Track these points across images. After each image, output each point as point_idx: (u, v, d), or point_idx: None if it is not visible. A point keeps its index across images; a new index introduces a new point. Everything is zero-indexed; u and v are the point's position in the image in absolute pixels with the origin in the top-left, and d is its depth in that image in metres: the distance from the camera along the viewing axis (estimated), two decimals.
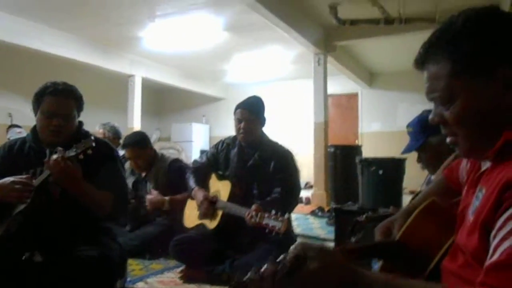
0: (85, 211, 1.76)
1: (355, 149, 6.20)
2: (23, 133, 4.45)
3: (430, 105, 0.83)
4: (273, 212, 1.85)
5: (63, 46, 6.47)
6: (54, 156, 1.62)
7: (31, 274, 1.60)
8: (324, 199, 6.11)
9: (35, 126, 1.85)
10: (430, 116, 0.80)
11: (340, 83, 8.82)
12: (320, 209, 5.07)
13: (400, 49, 6.93)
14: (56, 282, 1.56)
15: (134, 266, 2.57)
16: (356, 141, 9.15)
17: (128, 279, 2.21)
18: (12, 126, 5.28)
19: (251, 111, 2.37)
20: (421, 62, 0.79)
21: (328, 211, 4.92)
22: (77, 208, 1.73)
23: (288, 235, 2.21)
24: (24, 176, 1.69)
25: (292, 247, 0.71)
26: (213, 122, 10.87)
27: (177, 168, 3.03)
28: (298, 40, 5.88)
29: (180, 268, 2.40)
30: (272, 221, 1.83)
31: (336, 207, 2.90)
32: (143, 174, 3.09)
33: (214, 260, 2.25)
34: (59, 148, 1.64)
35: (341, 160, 6.04)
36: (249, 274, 0.68)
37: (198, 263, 2.28)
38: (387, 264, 0.94)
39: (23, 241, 1.67)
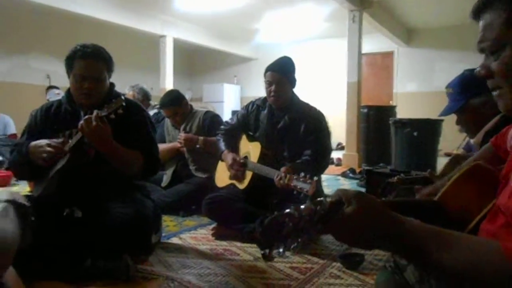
0: (118, 169, 1.83)
1: (389, 110, 6.04)
2: (61, 94, 4.59)
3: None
4: (302, 174, 1.85)
5: (96, 8, 6.52)
6: (86, 117, 1.67)
7: (72, 228, 1.70)
8: (356, 160, 6.06)
9: (69, 89, 1.90)
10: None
11: (375, 42, 8.47)
12: (351, 170, 5.04)
13: (442, 2, 6.52)
14: (95, 237, 1.66)
15: (168, 222, 2.67)
16: (390, 101, 8.89)
17: (163, 234, 2.31)
18: (51, 87, 5.44)
19: (281, 73, 2.32)
20: (478, 11, 0.78)
21: (360, 172, 4.88)
22: (111, 167, 1.80)
23: (318, 196, 2.22)
24: (59, 140, 1.76)
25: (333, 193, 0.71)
26: (244, 82, 10.82)
27: (211, 116, 3.17)
28: None
29: (212, 225, 2.47)
30: (300, 183, 1.83)
31: (368, 168, 2.87)
32: (181, 128, 3.18)
33: (244, 218, 2.30)
34: (92, 112, 1.69)
35: (374, 121, 5.91)
36: (288, 209, 0.68)
37: (229, 221, 2.35)
38: None
39: (63, 198, 1.77)
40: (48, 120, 1.92)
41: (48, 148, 1.70)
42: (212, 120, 3.13)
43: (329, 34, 8.95)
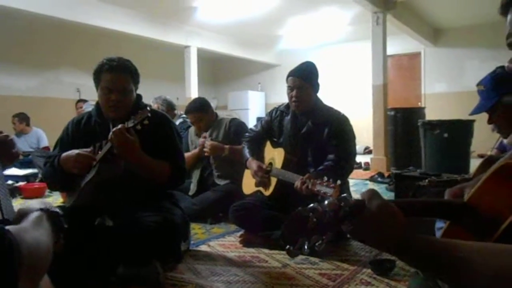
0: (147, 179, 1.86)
1: (417, 112, 5.91)
2: None
3: (503, 62, 0.77)
4: (325, 178, 1.83)
5: (123, 22, 6.72)
6: (113, 129, 1.71)
7: (104, 237, 1.74)
8: (384, 164, 5.95)
9: (98, 102, 1.96)
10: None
11: (401, 43, 8.33)
12: (380, 174, 4.95)
13: (469, 0, 6.35)
14: (126, 245, 1.69)
15: (197, 230, 2.70)
16: (419, 103, 8.70)
17: (192, 242, 2.33)
18: (80, 101, 5.62)
19: (303, 78, 2.31)
20: (506, 5, 0.76)
21: (388, 176, 4.79)
22: (140, 177, 1.84)
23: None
24: (88, 150, 1.81)
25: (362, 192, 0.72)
26: (269, 89, 10.85)
27: (237, 123, 3.19)
28: None
29: (240, 233, 2.48)
30: (324, 188, 1.81)
31: (397, 172, 2.81)
32: (207, 134, 3.21)
33: (271, 225, 2.30)
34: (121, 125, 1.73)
35: (402, 123, 5.79)
36: (312, 204, 0.68)
37: (256, 228, 2.34)
38: (453, 226, 0.90)
39: (94, 208, 1.82)
40: (79, 132, 1.98)
41: (79, 158, 1.75)
42: (237, 128, 3.15)
43: (353, 37, 8.87)
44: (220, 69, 11.57)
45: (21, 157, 4.45)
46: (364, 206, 0.67)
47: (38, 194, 4.17)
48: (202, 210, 2.87)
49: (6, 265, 0.58)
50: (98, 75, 1.88)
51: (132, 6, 6.64)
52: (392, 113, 5.91)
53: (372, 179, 4.87)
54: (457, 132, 3.98)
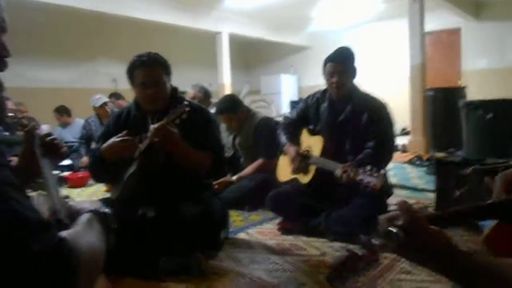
0: (188, 170, 1.91)
1: (458, 92, 5.65)
2: (103, 98, 5.02)
3: None
4: (368, 167, 1.80)
5: (155, 12, 6.78)
6: (155, 125, 1.75)
7: (147, 227, 1.81)
8: (423, 146, 5.77)
9: (135, 98, 2.02)
10: None
11: (439, 18, 7.94)
12: (419, 157, 4.81)
13: None
14: (168, 235, 1.75)
15: (235, 217, 2.74)
16: (459, 81, 8.33)
17: (231, 230, 2.38)
18: (113, 95, 5.76)
19: (342, 63, 2.26)
20: None
21: (428, 159, 4.65)
22: (181, 169, 1.88)
23: (386, 190, 2.16)
24: (124, 133, 1.86)
25: (395, 208, 0.71)
26: (301, 72, 10.70)
27: (262, 130, 3.12)
28: None
29: (278, 220, 2.50)
30: (366, 177, 1.79)
31: (437, 158, 2.72)
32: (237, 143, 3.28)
33: (309, 213, 2.30)
34: (158, 117, 1.77)
35: (441, 104, 5.56)
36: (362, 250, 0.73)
37: (294, 216, 2.36)
38: (502, 226, 0.85)
39: (137, 199, 1.89)
40: (119, 126, 2.04)
41: (123, 143, 1.81)
42: (261, 131, 3.10)
43: (388, 15, 8.55)
44: (252, 53, 11.51)
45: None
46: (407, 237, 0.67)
47: (82, 183, 4.35)
48: (239, 198, 2.92)
49: (67, 275, 0.61)
50: (131, 72, 1.94)
51: None
52: (431, 93, 5.68)
53: (410, 162, 4.75)
54: (502, 113, 3.76)
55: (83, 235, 0.73)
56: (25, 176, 1.05)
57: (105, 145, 1.88)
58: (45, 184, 0.97)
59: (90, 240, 0.73)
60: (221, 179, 3.04)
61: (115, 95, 5.54)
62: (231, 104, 3.18)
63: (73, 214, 0.86)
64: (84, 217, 0.82)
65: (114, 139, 1.85)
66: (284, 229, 2.37)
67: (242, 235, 2.38)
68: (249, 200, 2.93)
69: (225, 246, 2.14)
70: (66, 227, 0.75)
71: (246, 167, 3.17)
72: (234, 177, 3.10)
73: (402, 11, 6.43)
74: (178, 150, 1.83)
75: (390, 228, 0.68)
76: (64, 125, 5.62)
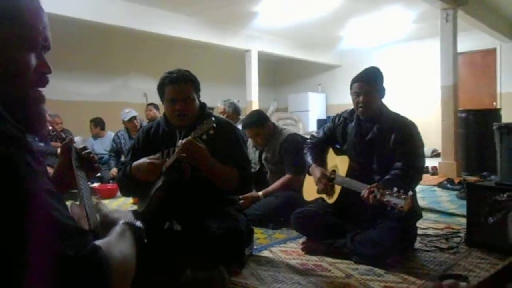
0: (214, 185, 1.93)
1: (492, 114, 5.50)
2: (132, 112, 5.14)
3: None
4: (395, 189, 1.76)
5: (187, 30, 6.98)
6: (183, 141, 1.79)
7: (172, 241, 1.82)
8: (454, 169, 5.60)
9: (165, 113, 2.08)
10: None
11: (473, 39, 7.80)
12: (449, 180, 4.67)
13: None
14: (193, 249, 1.76)
15: (259, 234, 2.73)
16: (494, 103, 8.09)
17: (254, 247, 2.36)
18: (150, 104, 5.92)
19: (369, 83, 2.25)
20: None
21: (459, 183, 4.50)
22: (207, 183, 1.90)
23: (413, 212, 2.10)
24: (156, 156, 1.91)
25: None
26: (329, 90, 10.68)
27: (290, 145, 3.11)
28: None
29: (302, 239, 2.47)
30: (394, 198, 1.75)
31: (469, 182, 2.63)
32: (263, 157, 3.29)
33: (334, 233, 2.27)
34: (186, 132, 1.81)
35: (474, 126, 5.42)
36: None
37: (318, 236, 2.32)
38: None
39: (164, 213, 1.91)
40: (148, 140, 2.10)
41: (150, 166, 1.85)
42: (288, 148, 3.10)
43: (419, 35, 8.47)
44: (280, 71, 11.60)
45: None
46: None
47: (111, 195, 4.45)
48: (264, 216, 2.91)
49: (99, 281, 0.63)
50: (161, 88, 2.00)
51: (194, 14, 6.88)
52: (464, 115, 5.55)
53: (441, 185, 4.61)
54: None
55: (117, 245, 0.75)
56: (59, 187, 1.09)
57: (135, 163, 1.92)
58: (80, 195, 1.00)
59: (123, 250, 0.75)
60: (247, 194, 3.05)
61: (154, 105, 5.73)
62: (258, 119, 3.22)
63: (107, 224, 0.89)
64: (118, 228, 0.84)
65: (144, 160, 1.89)
66: (308, 249, 2.33)
67: (265, 253, 2.36)
68: (274, 218, 2.92)
69: (249, 263, 2.13)
70: (97, 236, 0.78)
71: (272, 182, 3.16)
72: (260, 193, 3.10)
73: (433, 31, 6.36)
74: (205, 165, 1.85)
75: None
76: (96, 136, 5.81)
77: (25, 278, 0.55)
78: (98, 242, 0.68)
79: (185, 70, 2.04)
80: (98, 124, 5.81)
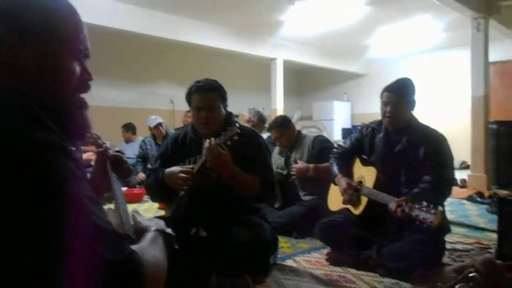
0: (239, 193, 1.95)
1: None
2: (158, 119, 5.21)
3: None
4: (424, 203, 1.73)
5: (212, 38, 7.09)
6: (206, 145, 1.82)
7: (198, 247, 1.85)
8: (484, 182, 5.44)
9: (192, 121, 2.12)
10: None
11: (506, 48, 7.58)
12: (479, 194, 4.54)
13: None
14: (218, 256, 1.78)
15: (282, 243, 2.72)
16: None
17: (278, 255, 2.36)
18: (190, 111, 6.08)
19: (399, 94, 2.22)
20: None
21: (489, 196, 4.37)
22: (233, 191, 1.93)
23: (443, 228, 2.06)
24: (188, 166, 1.95)
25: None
26: (355, 99, 10.59)
27: (321, 141, 3.22)
28: (452, 5, 5.25)
29: (326, 249, 2.45)
30: (423, 213, 1.72)
31: (501, 196, 2.56)
32: (289, 153, 3.27)
33: (359, 245, 2.24)
34: (211, 139, 1.84)
35: (506, 138, 5.27)
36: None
37: (343, 247, 2.30)
38: None
39: (190, 219, 1.94)
40: (176, 147, 2.15)
41: (182, 174, 1.89)
42: (322, 146, 3.16)
43: (449, 44, 8.31)
44: (305, 80, 11.60)
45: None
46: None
47: (138, 199, 4.54)
48: (288, 224, 2.90)
49: (134, 285, 0.65)
50: (189, 97, 2.07)
51: (221, 22, 6.99)
52: (495, 126, 5.40)
53: (470, 198, 4.49)
54: None
55: (150, 250, 0.78)
56: (95, 192, 1.13)
57: (167, 170, 1.97)
58: (115, 200, 1.04)
59: (155, 255, 0.78)
60: (299, 165, 3.09)
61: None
62: (282, 120, 3.31)
63: (140, 230, 0.92)
64: (150, 235, 0.87)
65: (176, 168, 1.93)
66: (333, 260, 2.32)
67: (289, 262, 2.36)
68: (298, 227, 2.91)
69: (273, 271, 2.13)
70: (132, 241, 0.81)
71: (300, 185, 3.15)
72: (311, 165, 3.07)
73: (464, 40, 6.23)
74: (228, 171, 1.87)
75: (471, 274, 0.68)
76: (128, 141, 6.00)
77: (67, 281, 0.58)
78: (133, 248, 0.71)
79: (213, 79, 2.08)
80: (129, 129, 6.00)
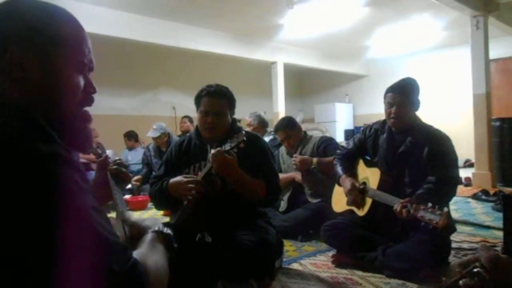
0: (244, 198, 1.95)
1: None
2: (158, 129, 5.10)
3: None
4: (430, 204, 1.73)
5: (212, 43, 7.10)
6: (213, 151, 1.83)
7: (203, 252, 1.85)
8: (489, 180, 5.41)
9: (197, 126, 2.12)
10: None
11: (506, 45, 7.57)
12: (484, 192, 4.52)
13: None
14: (224, 261, 1.78)
15: (288, 247, 2.72)
16: None
17: (284, 259, 2.36)
18: (185, 117, 6.08)
19: (404, 95, 2.21)
20: None
21: (494, 194, 4.35)
22: (237, 196, 1.93)
23: (449, 228, 2.05)
24: (193, 176, 1.94)
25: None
26: (357, 100, 10.58)
27: (326, 140, 3.26)
28: (451, 4, 5.25)
29: (331, 252, 2.45)
30: (429, 214, 1.71)
31: (506, 193, 2.55)
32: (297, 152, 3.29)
33: (365, 247, 2.24)
34: (221, 147, 1.84)
35: (510, 134, 5.24)
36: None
37: (348, 249, 2.30)
38: None
39: (195, 224, 1.95)
40: (181, 154, 2.15)
41: (190, 185, 1.87)
42: (327, 144, 3.19)
43: (449, 43, 8.30)
44: (306, 82, 11.60)
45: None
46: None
47: (142, 207, 4.55)
48: (293, 227, 2.90)
49: None
50: (198, 99, 2.06)
51: (221, 28, 7.01)
52: (498, 123, 5.38)
53: (475, 196, 4.47)
54: None
55: (150, 255, 0.79)
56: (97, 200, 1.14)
57: (171, 181, 1.96)
58: (117, 208, 1.04)
59: (156, 260, 0.79)
60: (303, 156, 3.12)
61: (189, 118, 5.87)
62: (288, 121, 3.34)
63: (137, 232, 0.92)
64: (148, 237, 0.88)
65: (180, 178, 1.92)
66: (339, 262, 2.31)
67: (295, 266, 2.35)
68: (302, 230, 2.91)
69: (279, 275, 2.14)
70: (132, 246, 0.82)
71: (307, 185, 3.14)
72: (315, 159, 3.09)
73: (464, 38, 6.23)
74: (235, 177, 1.88)
75: (475, 269, 0.68)
76: (131, 148, 6.07)
77: None
78: (134, 254, 0.72)
79: (223, 85, 2.08)
80: (131, 137, 6.08)
